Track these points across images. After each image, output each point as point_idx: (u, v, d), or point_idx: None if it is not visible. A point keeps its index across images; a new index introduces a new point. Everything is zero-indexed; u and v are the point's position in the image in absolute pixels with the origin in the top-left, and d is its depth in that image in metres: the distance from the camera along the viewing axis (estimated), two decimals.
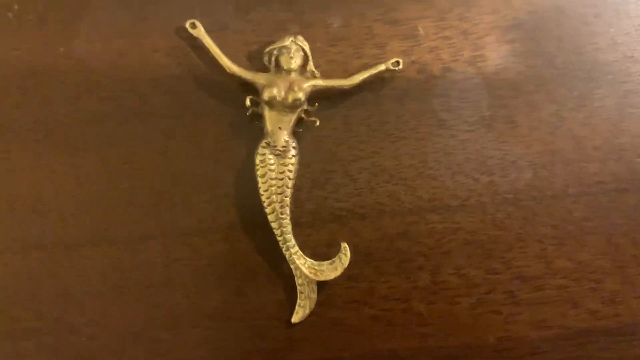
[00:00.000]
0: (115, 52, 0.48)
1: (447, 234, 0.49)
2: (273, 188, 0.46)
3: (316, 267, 0.47)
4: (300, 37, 0.47)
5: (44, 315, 0.46)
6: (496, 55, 0.51)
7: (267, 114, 0.47)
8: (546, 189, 0.50)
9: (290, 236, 0.46)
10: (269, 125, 0.47)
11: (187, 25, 0.47)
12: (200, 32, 0.47)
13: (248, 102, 0.47)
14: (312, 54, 0.48)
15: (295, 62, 0.47)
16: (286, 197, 0.46)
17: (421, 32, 0.50)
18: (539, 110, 0.50)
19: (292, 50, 0.47)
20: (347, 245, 0.47)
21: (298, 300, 0.47)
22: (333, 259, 0.47)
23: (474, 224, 0.49)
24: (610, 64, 0.51)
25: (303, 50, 0.47)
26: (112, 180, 0.47)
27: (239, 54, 0.48)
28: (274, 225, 0.46)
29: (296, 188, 0.47)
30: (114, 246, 0.47)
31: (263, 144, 0.46)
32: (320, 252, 0.48)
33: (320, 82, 0.47)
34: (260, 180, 0.46)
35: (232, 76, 0.47)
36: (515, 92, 0.50)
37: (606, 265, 0.49)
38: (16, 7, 0.48)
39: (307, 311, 0.47)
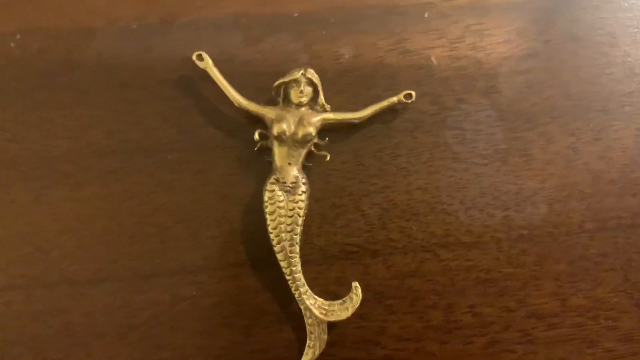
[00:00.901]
0: (119, 84, 0.46)
1: (461, 272, 0.46)
2: (282, 226, 0.44)
3: (326, 307, 0.44)
4: (310, 70, 0.45)
5: (47, 357, 0.44)
6: (510, 86, 0.48)
7: (277, 149, 0.44)
8: (562, 225, 0.47)
9: (299, 275, 0.44)
10: (278, 160, 0.44)
11: (194, 57, 0.45)
12: (207, 64, 0.45)
13: (257, 136, 0.45)
14: (322, 86, 0.45)
15: (306, 97, 0.44)
16: (296, 235, 0.44)
17: (434, 62, 0.48)
18: (554, 143, 0.48)
19: (302, 84, 0.44)
20: (358, 285, 0.44)
21: (308, 341, 0.44)
22: (344, 299, 0.44)
23: (489, 261, 0.47)
24: (627, 95, 0.49)
25: (313, 83, 0.45)
26: (116, 216, 0.45)
27: (247, 86, 0.46)
28: (282, 264, 0.44)
29: (305, 223, 0.45)
30: (118, 284, 0.45)
31: (272, 179, 0.44)
32: (330, 290, 0.45)
33: (330, 116, 0.45)
34: (269, 217, 0.44)
35: (240, 109, 0.45)
36: (530, 124, 0.48)
37: (623, 302, 0.47)
38: (18, 36, 0.46)
39: (317, 352, 0.44)
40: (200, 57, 0.45)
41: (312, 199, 0.45)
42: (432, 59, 0.48)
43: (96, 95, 0.46)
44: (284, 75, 0.45)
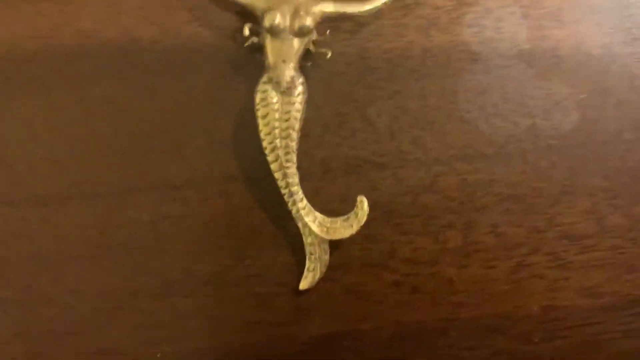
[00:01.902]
0: None
1: (482, 187, 0.39)
2: (276, 131, 0.37)
3: (328, 225, 0.38)
4: None
5: (11, 283, 0.38)
6: None
7: (269, 44, 0.38)
8: (596, 134, 0.40)
9: (297, 188, 0.37)
10: (271, 57, 0.38)
11: None
12: None
13: (246, 31, 0.38)
14: None
15: None
16: (292, 141, 0.37)
17: None
18: (587, 43, 0.41)
19: None
20: (364, 199, 0.38)
21: (307, 263, 0.38)
22: (348, 215, 0.38)
23: (513, 175, 0.40)
24: None
25: None
26: (90, 124, 0.39)
27: None
28: (277, 175, 0.37)
29: (305, 134, 0.38)
30: (93, 201, 0.38)
31: (264, 79, 0.37)
32: (333, 207, 0.38)
33: (331, 7, 0.38)
34: (261, 122, 0.37)
35: (228, 1, 0.38)
36: (559, 22, 0.41)
37: None
38: None
39: (318, 276, 0.38)
40: None
41: (312, 106, 0.39)
42: None
43: None
44: None
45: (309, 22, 0.37)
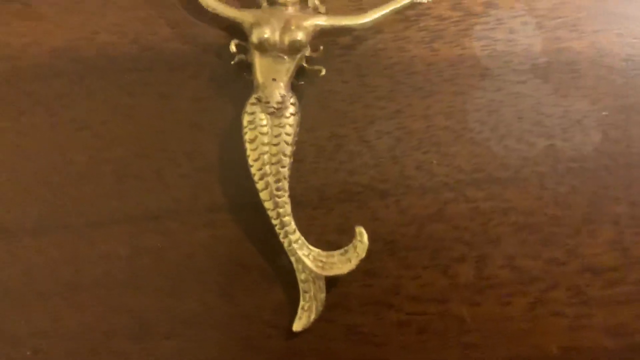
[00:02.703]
0: None
1: (495, 215, 0.35)
2: (266, 157, 0.33)
3: (323, 259, 0.33)
4: None
5: None
6: None
7: (258, 61, 0.34)
8: (620, 156, 0.36)
9: (289, 219, 0.33)
10: (260, 76, 0.33)
11: None
12: None
13: (233, 48, 0.34)
14: None
15: None
16: (283, 167, 0.33)
17: None
18: (607, 55, 0.36)
19: None
20: (363, 230, 0.33)
21: (301, 302, 0.33)
22: (346, 248, 0.33)
23: (530, 201, 0.35)
24: None
25: None
26: (64, 150, 0.35)
27: None
28: (267, 205, 0.33)
29: (297, 159, 0.34)
30: (65, 234, 0.34)
31: (252, 100, 0.33)
32: (329, 239, 0.34)
33: (325, 20, 0.34)
34: (249, 146, 0.33)
35: (213, 16, 0.34)
36: (577, 32, 0.37)
37: None
38: None
39: (313, 316, 0.33)
40: None
41: (305, 127, 0.34)
42: None
43: (42, 5, 0.36)
44: None
45: (300, 36, 0.33)
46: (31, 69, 0.35)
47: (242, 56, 0.34)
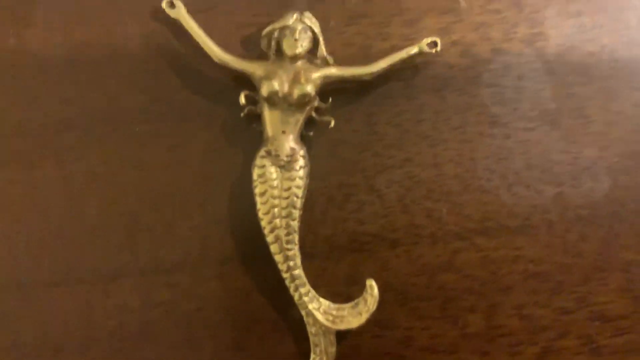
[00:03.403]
0: (79, 43, 0.35)
1: (505, 264, 0.35)
2: (276, 210, 0.33)
3: (334, 312, 0.33)
4: (307, 14, 0.34)
5: None
6: (559, 32, 0.36)
7: (268, 114, 0.33)
8: (630, 202, 0.35)
9: (299, 272, 0.33)
10: (269, 128, 0.33)
11: (164, 4, 0.34)
12: (180, 12, 0.34)
13: (243, 100, 0.33)
14: (323, 35, 0.34)
15: (302, 46, 0.33)
16: (293, 220, 0.33)
17: (463, 4, 0.36)
18: (617, 101, 0.36)
19: (298, 31, 0.33)
20: (373, 284, 0.33)
21: (312, 356, 0.33)
22: (356, 301, 0.33)
23: (539, 249, 0.35)
24: None
25: (311, 30, 0.33)
26: (75, 202, 0.34)
27: (231, 39, 0.35)
28: (277, 258, 0.33)
29: (307, 208, 0.34)
30: (79, 287, 0.34)
31: (262, 153, 0.33)
32: (339, 290, 0.34)
33: (334, 72, 0.34)
34: (259, 200, 0.33)
35: (223, 67, 0.34)
36: (586, 78, 0.36)
37: None
38: None
39: None
40: (171, 5, 0.34)
41: (315, 177, 0.34)
42: (461, 0, 0.36)
43: (50, 57, 0.35)
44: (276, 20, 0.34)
45: (310, 89, 0.33)
46: (41, 119, 0.35)
47: (252, 107, 0.34)
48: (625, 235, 0.35)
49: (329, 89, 0.34)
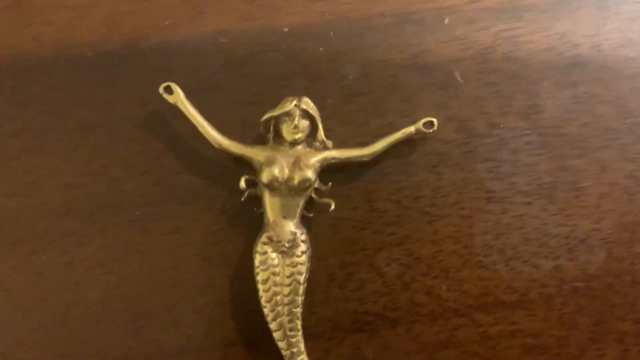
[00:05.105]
0: (76, 126, 0.34)
1: (504, 339, 0.34)
2: (278, 297, 0.32)
3: None
4: (305, 100, 0.33)
5: None
6: (555, 103, 0.36)
7: (268, 200, 0.32)
8: (625, 273, 0.35)
9: (303, 357, 0.32)
10: (270, 214, 0.32)
11: (161, 90, 0.33)
12: (178, 97, 0.33)
13: (243, 184, 0.33)
14: (322, 117, 0.33)
15: (301, 132, 0.32)
16: (296, 308, 0.32)
17: (459, 79, 0.35)
18: (611, 172, 0.35)
19: (296, 117, 0.32)
20: None
21: None
22: None
23: (537, 323, 0.34)
24: None
25: (310, 116, 0.33)
26: (77, 288, 0.33)
27: (231, 120, 0.34)
28: (281, 345, 0.32)
29: (309, 289, 0.33)
30: None
31: (264, 239, 0.32)
32: None
33: (333, 154, 0.33)
34: (261, 287, 0.32)
35: (221, 150, 0.33)
36: (580, 149, 0.35)
37: None
38: None
39: None
40: (169, 90, 0.33)
41: (316, 256, 0.33)
42: (457, 75, 0.35)
43: (49, 140, 0.34)
44: (274, 106, 0.33)
45: (310, 174, 0.32)
46: (42, 206, 0.34)
47: (252, 190, 0.33)
48: (621, 307, 0.35)
49: (329, 170, 0.33)
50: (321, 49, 0.35)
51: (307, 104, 0.32)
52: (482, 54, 0.36)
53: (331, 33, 0.35)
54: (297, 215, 0.33)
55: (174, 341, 0.33)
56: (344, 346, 0.34)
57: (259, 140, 0.34)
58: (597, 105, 0.36)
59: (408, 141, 0.35)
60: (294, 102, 0.32)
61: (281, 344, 0.32)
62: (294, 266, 0.32)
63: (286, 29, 0.35)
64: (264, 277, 0.32)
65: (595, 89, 0.36)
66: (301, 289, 0.32)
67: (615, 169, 0.35)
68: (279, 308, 0.32)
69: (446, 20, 0.36)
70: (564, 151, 0.35)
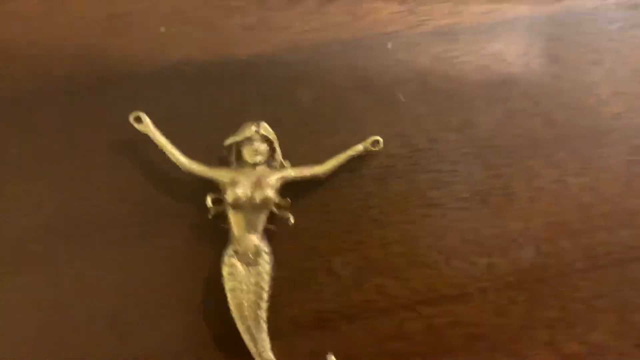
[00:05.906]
0: (51, 156, 0.37)
1: (447, 329, 0.38)
2: (245, 303, 0.35)
3: None
4: (264, 125, 0.36)
5: None
6: (488, 118, 0.40)
7: (233, 217, 0.35)
8: (551, 267, 0.39)
9: (268, 354, 0.35)
10: (235, 229, 0.36)
11: (132, 119, 0.36)
12: (147, 126, 0.36)
13: (209, 203, 0.36)
14: (279, 139, 0.36)
15: (261, 155, 0.36)
16: (260, 310, 0.35)
17: (402, 99, 0.39)
18: (539, 178, 0.39)
19: (256, 142, 0.35)
20: (333, 357, 0.36)
21: None
22: None
23: (476, 314, 0.38)
24: (614, 117, 0.40)
25: (268, 140, 0.36)
26: (61, 303, 0.36)
27: (197, 144, 0.37)
28: (249, 344, 0.35)
29: (274, 293, 0.36)
30: None
31: (230, 252, 0.35)
32: None
33: (291, 173, 0.36)
34: (229, 295, 0.35)
35: (191, 174, 0.36)
36: (511, 159, 0.39)
37: (621, 345, 0.39)
38: None
39: None
40: (138, 119, 0.36)
41: (279, 264, 0.37)
42: (400, 95, 0.39)
43: (27, 169, 0.37)
44: (236, 130, 0.36)
45: (270, 193, 0.35)
46: (21, 228, 0.36)
47: (219, 207, 0.36)
48: (548, 296, 0.39)
49: (288, 187, 0.37)
50: (277, 75, 0.38)
51: (266, 129, 0.36)
52: (422, 75, 0.39)
53: (286, 61, 0.38)
54: (260, 229, 0.36)
55: (154, 345, 0.36)
56: (306, 342, 0.37)
57: (223, 162, 0.37)
58: (526, 119, 0.40)
59: (358, 157, 0.38)
60: (254, 128, 0.35)
61: (249, 344, 0.35)
62: (259, 275, 0.35)
63: (244, 57, 0.38)
64: (231, 286, 0.35)
65: (524, 104, 0.40)
66: (265, 295, 0.35)
67: (542, 175, 0.39)
68: (246, 312, 0.35)
69: (389, 45, 0.40)
70: (497, 161, 0.39)
